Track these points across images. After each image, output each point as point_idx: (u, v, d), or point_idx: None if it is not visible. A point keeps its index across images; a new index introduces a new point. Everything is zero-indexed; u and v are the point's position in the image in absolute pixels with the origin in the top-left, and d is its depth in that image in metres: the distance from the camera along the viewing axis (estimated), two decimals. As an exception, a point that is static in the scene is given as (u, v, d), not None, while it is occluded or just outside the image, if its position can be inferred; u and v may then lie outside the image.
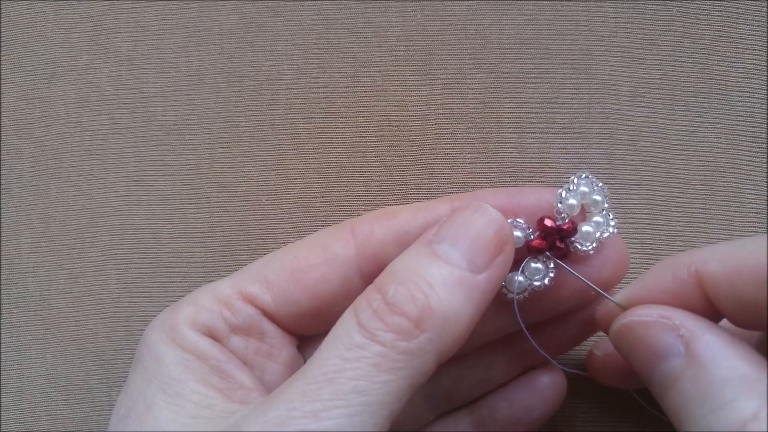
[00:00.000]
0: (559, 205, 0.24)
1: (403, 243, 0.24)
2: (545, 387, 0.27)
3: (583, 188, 0.24)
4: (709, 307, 0.21)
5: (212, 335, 0.24)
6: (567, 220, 0.24)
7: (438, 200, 0.25)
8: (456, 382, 0.27)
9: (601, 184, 0.25)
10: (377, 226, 0.25)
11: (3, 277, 0.32)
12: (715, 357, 0.20)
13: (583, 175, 0.24)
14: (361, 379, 0.20)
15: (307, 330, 0.25)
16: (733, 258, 0.20)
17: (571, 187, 0.24)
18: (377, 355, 0.20)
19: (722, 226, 0.30)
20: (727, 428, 0.18)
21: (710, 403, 0.19)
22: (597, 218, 0.24)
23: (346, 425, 0.19)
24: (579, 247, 0.24)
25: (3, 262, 0.32)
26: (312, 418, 0.19)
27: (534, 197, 0.24)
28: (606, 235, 0.24)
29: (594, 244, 0.24)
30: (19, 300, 0.32)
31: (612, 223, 0.24)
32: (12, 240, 0.32)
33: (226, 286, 0.25)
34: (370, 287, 0.22)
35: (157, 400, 0.22)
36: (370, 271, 0.24)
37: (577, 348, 0.29)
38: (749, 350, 0.20)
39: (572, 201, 0.24)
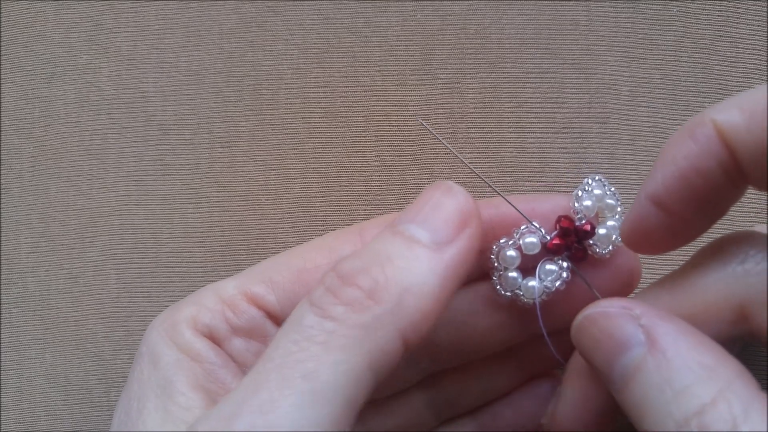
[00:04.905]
0: (576, 205, 0.24)
1: None
2: (549, 395, 0.27)
3: (597, 191, 0.24)
4: (735, 165, 0.20)
5: (213, 336, 0.24)
6: (584, 221, 0.24)
7: None
8: (460, 390, 0.27)
9: (613, 189, 0.24)
10: None
11: (3, 276, 0.32)
12: (675, 343, 0.19)
13: (597, 177, 0.24)
14: (309, 361, 0.18)
15: None
16: (750, 101, 0.19)
17: (586, 188, 0.24)
18: (327, 332, 0.18)
19: (722, 226, 0.30)
20: (686, 413, 0.18)
21: (670, 389, 0.19)
22: (611, 222, 0.24)
23: (295, 417, 0.17)
24: (596, 250, 0.24)
25: (3, 261, 0.32)
26: (258, 412, 0.17)
27: (549, 204, 0.24)
28: (621, 239, 0.24)
29: (610, 248, 0.24)
30: (18, 300, 0.31)
31: None
32: (12, 240, 0.32)
33: (231, 287, 0.24)
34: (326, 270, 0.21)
35: (149, 403, 0.21)
36: None
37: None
38: (708, 339, 0.20)
39: (588, 202, 0.24)
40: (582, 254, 0.24)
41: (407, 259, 0.20)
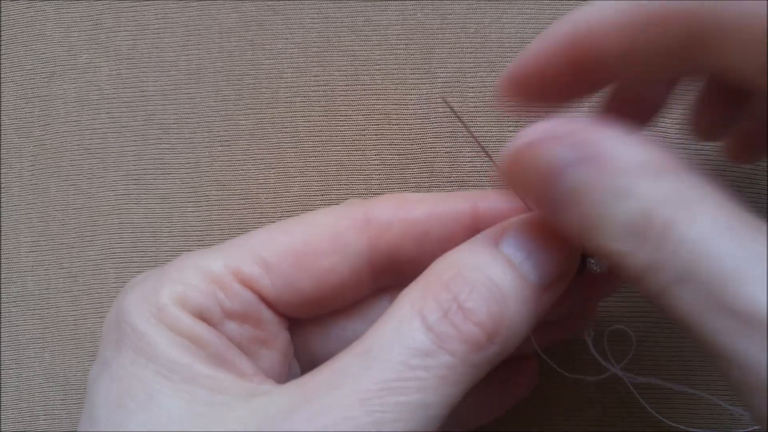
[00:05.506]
0: None
1: (421, 243, 0.23)
2: (533, 375, 0.27)
3: None
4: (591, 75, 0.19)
5: (205, 319, 0.22)
6: None
7: (458, 196, 0.24)
8: None
9: None
10: (396, 220, 0.23)
11: (2, 275, 0.32)
12: (613, 148, 0.18)
13: None
14: (429, 392, 0.18)
15: (302, 315, 0.24)
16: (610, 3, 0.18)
17: None
18: (446, 367, 0.19)
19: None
20: (631, 218, 0.17)
21: (614, 197, 0.17)
22: None
23: None
24: (593, 268, 0.24)
25: (2, 260, 0.32)
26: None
27: None
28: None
29: (608, 264, 0.24)
30: (18, 299, 0.31)
31: None
32: (11, 239, 0.32)
33: (218, 264, 0.22)
34: (432, 282, 0.20)
35: (159, 386, 0.20)
36: (380, 265, 0.23)
37: (569, 344, 0.29)
38: (644, 137, 0.18)
39: None
40: (578, 269, 0.24)
41: (518, 301, 0.20)
